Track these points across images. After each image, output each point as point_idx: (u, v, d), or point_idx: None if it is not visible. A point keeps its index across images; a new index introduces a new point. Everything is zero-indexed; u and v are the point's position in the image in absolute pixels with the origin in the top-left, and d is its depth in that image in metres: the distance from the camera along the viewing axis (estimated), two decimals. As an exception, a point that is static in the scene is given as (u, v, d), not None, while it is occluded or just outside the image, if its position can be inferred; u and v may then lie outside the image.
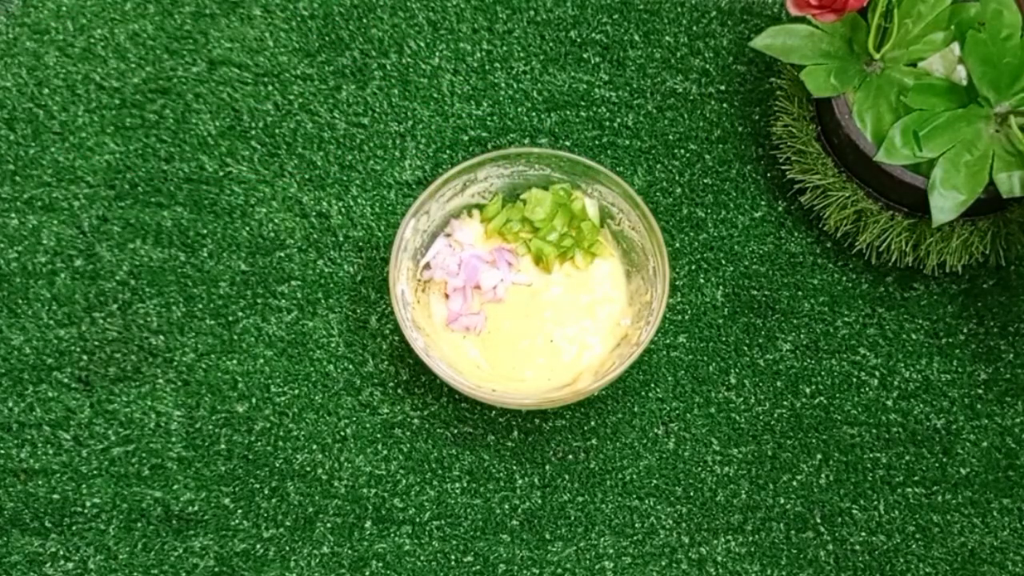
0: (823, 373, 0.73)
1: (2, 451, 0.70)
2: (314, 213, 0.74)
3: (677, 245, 0.75)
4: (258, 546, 0.69)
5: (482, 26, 0.78)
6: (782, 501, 0.71)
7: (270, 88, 0.77)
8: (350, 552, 0.69)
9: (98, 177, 0.74)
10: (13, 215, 0.73)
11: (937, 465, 0.72)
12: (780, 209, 0.76)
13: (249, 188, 0.75)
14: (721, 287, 0.74)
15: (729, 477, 0.71)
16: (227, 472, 0.70)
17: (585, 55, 0.78)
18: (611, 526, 0.70)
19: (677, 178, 0.76)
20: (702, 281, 0.74)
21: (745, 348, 0.73)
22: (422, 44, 0.78)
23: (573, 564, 0.69)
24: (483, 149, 0.76)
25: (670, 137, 0.77)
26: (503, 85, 0.77)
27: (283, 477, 0.70)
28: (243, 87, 0.77)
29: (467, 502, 0.70)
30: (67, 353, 0.71)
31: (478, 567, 0.69)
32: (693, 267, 0.75)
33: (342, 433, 0.71)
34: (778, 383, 0.73)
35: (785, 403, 0.72)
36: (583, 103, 0.77)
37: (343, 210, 0.75)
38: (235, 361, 0.72)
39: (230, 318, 0.72)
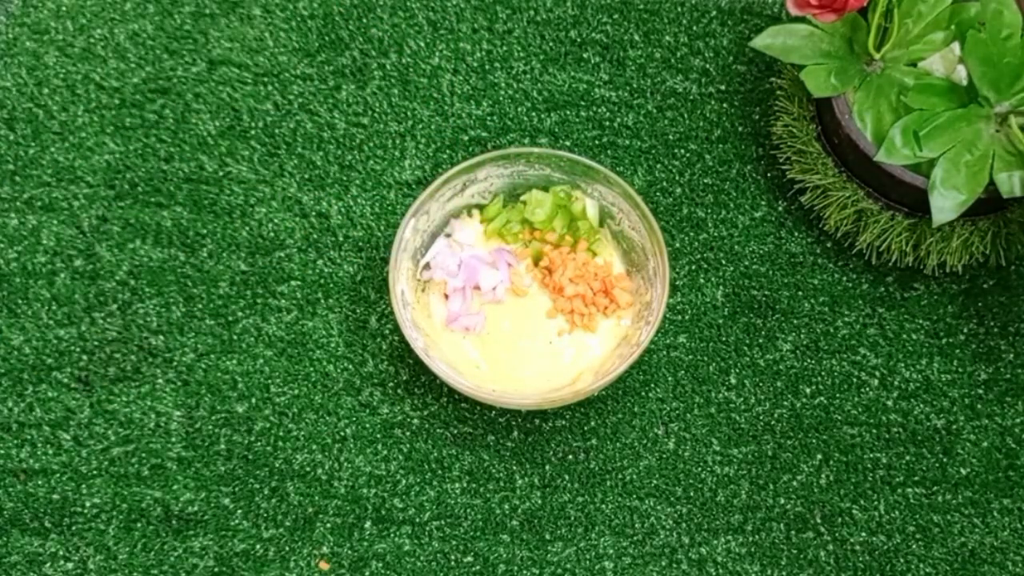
0: (823, 373, 0.73)
1: (2, 451, 0.70)
2: (314, 213, 0.74)
3: (677, 245, 0.75)
4: (258, 546, 0.69)
5: (482, 26, 0.78)
6: (782, 501, 0.71)
7: (270, 88, 0.77)
8: (350, 552, 0.69)
9: (98, 177, 0.74)
10: (13, 215, 0.73)
11: (937, 465, 0.72)
12: (780, 209, 0.76)
13: (249, 188, 0.75)
14: (721, 287, 0.74)
15: (729, 477, 0.71)
16: (227, 472, 0.70)
17: (585, 55, 0.78)
18: (611, 526, 0.70)
19: (677, 178, 0.76)
20: (702, 281, 0.74)
21: (745, 348, 0.73)
22: (422, 44, 0.78)
23: (573, 564, 0.69)
24: (483, 149, 0.76)
25: (670, 137, 0.77)
26: (503, 85, 0.77)
27: (283, 477, 0.70)
28: (243, 87, 0.77)
29: (467, 502, 0.70)
30: (67, 353, 0.71)
31: (478, 567, 0.69)
32: (693, 267, 0.75)
33: (342, 433, 0.71)
34: (778, 383, 0.73)
35: (785, 403, 0.72)
36: (583, 103, 0.77)
37: (343, 210, 0.75)
38: (235, 361, 0.72)
39: (230, 318, 0.72)
